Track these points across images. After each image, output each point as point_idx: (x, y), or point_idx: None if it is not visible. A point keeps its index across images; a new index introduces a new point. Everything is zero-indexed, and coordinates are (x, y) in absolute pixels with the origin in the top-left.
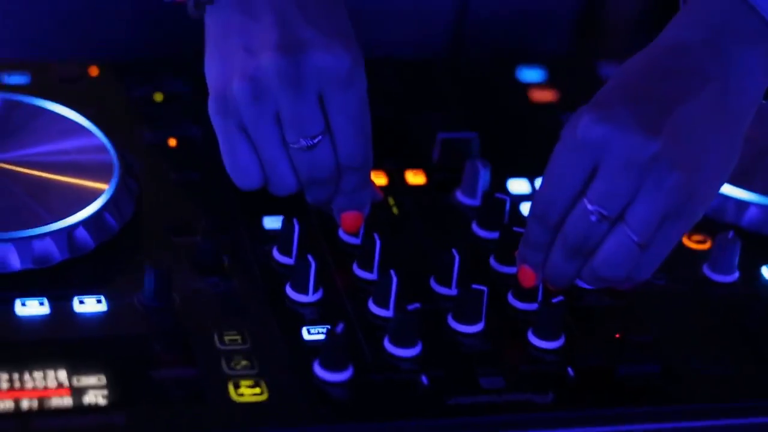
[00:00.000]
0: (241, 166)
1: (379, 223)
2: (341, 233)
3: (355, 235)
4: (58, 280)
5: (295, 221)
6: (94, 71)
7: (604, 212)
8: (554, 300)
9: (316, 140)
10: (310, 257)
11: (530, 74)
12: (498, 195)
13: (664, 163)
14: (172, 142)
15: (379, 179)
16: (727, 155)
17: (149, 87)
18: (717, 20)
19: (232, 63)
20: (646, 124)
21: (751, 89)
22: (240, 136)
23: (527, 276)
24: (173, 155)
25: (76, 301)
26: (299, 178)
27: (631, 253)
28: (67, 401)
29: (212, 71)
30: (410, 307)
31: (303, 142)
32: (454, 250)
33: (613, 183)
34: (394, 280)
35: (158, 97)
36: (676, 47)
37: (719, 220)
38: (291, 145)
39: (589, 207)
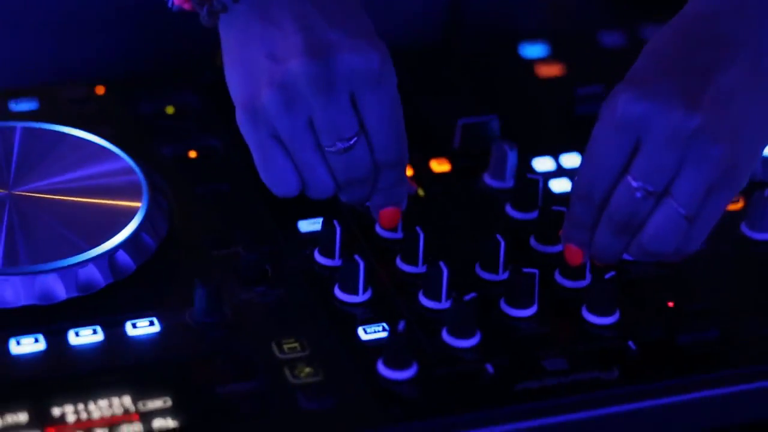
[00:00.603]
0: (277, 175)
1: (413, 215)
2: (378, 229)
3: (394, 230)
4: (106, 306)
5: (335, 223)
6: (100, 90)
7: (650, 188)
8: (606, 276)
9: (352, 142)
10: (357, 257)
11: (533, 50)
12: (530, 175)
13: (706, 136)
14: (192, 154)
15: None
16: (766, 120)
17: (159, 101)
18: None
19: (256, 72)
20: (686, 98)
21: None
22: (274, 145)
23: (574, 254)
24: (196, 167)
25: (128, 325)
26: (336, 180)
27: (679, 226)
28: (137, 427)
29: (235, 82)
30: (467, 297)
31: (339, 145)
32: (498, 236)
33: (657, 159)
34: (445, 271)
35: (170, 110)
36: (705, 17)
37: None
38: (327, 149)
39: (634, 184)
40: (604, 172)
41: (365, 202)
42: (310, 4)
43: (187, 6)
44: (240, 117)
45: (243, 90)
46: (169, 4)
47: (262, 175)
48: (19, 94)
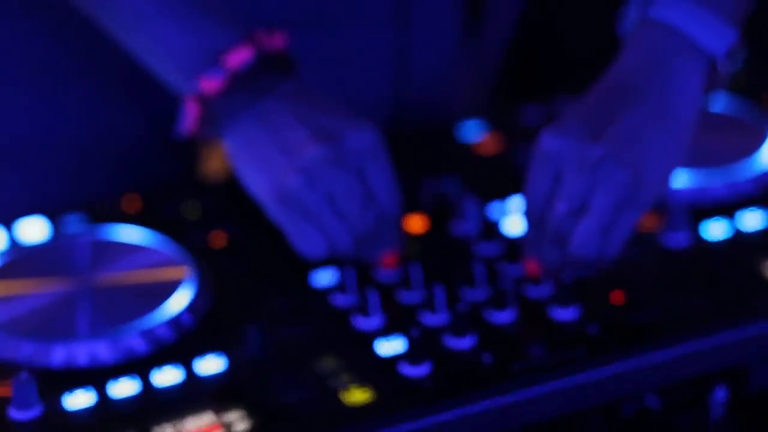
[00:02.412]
0: (311, 244)
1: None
2: (379, 271)
3: (395, 268)
4: (179, 354)
5: (349, 266)
6: (137, 203)
7: (570, 207)
8: (566, 281)
9: (364, 206)
10: (371, 290)
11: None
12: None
13: (610, 163)
14: (219, 239)
15: None
16: (673, 152)
17: (177, 206)
18: (657, 46)
19: (274, 167)
20: (591, 132)
21: (690, 95)
22: (305, 221)
23: (531, 267)
24: (219, 254)
25: (199, 364)
26: (354, 238)
27: (595, 236)
28: None
29: (256, 181)
30: (461, 309)
31: (356, 209)
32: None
33: (573, 183)
34: (441, 291)
35: (194, 210)
36: (622, 72)
37: None
38: (347, 213)
39: (560, 205)
40: (538, 198)
41: (373, 256)
42: (302, 105)
43: (193, 133)
44: (270, 206)
45: (267, 184)
46: (177, 135)
47: (297, 246)
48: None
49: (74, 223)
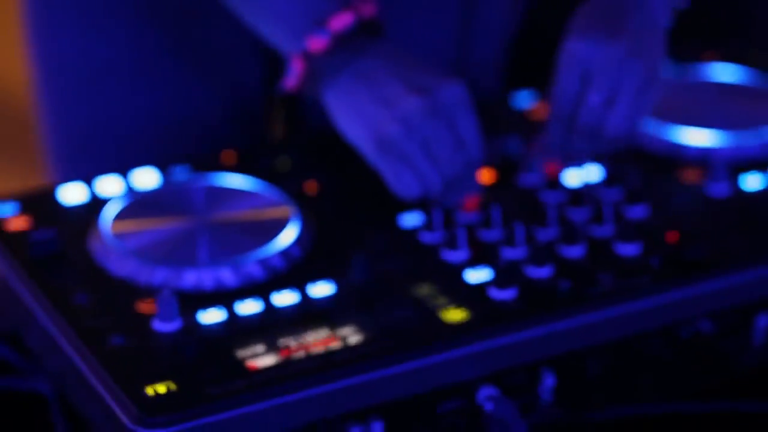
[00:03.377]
0: (407, 185)
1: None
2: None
3: (476, 212)
4: (292, 281)
5: (436, 207)
6: (232, 157)
7: (602, 98)
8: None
9: (454, 151)
10: (459, 226)
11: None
12: None
13: (630, 56)
14: (313, 187)
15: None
16: (664, 51)
17: (279, 158)
18: None
19: (375, 117)
20: (609, 35)
21: (663, 11)
22: (401, 164)
23: (552, 167)
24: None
25: (312, 288)
26: (444, 181)
27: (627, 118)
28: (337, 344)
29: (357, 131)
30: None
31: (447, 154)
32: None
33: (603, 76)
34: (521, 228)
35: (286, 163)
36: None
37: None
38: (440, 158)
39: (592, 99)
40: (570, 96)
41: (457, 200)
42: (396, 63)
43: (295, 89)
44: (370, 152)
45: (367, 133)
46: (280, 91)
47: (394, 187)
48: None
49: (181, 173)
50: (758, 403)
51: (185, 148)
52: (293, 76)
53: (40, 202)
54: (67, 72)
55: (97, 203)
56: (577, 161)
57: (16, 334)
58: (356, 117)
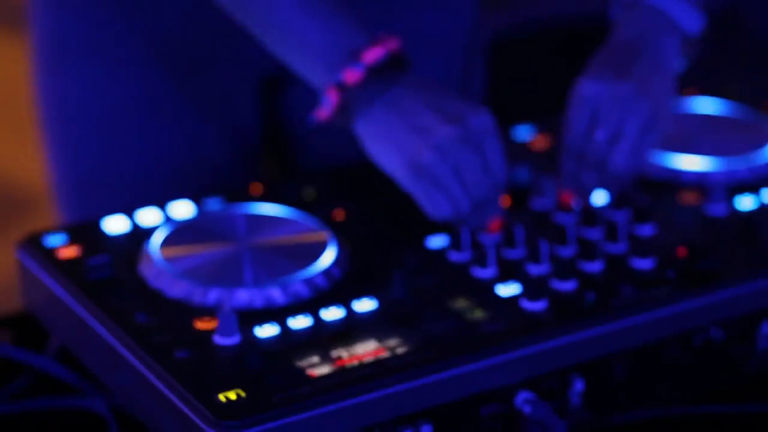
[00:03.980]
0: (439, 207)
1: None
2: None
3: (499, 234)
4: (337, 298)
5: (464, 227)
6: (260, 189)
7: (608, 135)
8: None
9: (482, 176)
10: (487, 244)
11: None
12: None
13: (636, 97)
14: (340, 215)
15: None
16: (670, 94)
17: (301, 189)
18: (647, 22)
19: (409, 144)
20: (617, 76)
21: (671, 59)
22: (434, 188)
23: (566, 196)
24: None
25: (356, 304)
26: (472, 203)
27: (629, 155)
28: (387, 354)
29: (390, 158)
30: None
31: (476, 179)
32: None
33: (609, 115)
34: (546, 245)
35: (311, 195)
36: (621, 41)
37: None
38: (470, 183)
39: (599, 133)
40: (578, 134)
41: (484, 224)
42: (425, 93)
43: (327, 120)
44: (404, 178)
45: (401, 159)
46: (312, 122)
47: (427, 209)
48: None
49: (215, 204)
50: (763, 405)
51: (190, 188)
52: (327, 107)
53: (86, 233)
54: (76, 115)
55: (138, 233)
56: (588, 193)
57: (67, 354)
58: (390, 145)
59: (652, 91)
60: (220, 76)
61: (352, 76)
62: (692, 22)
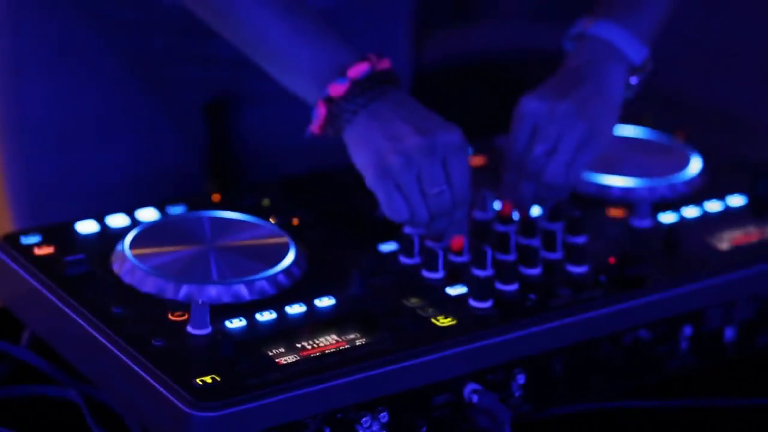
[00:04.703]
0: (396, 209)
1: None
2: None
3: (460, 253)
4: (298, 296)
5: (413, 233)
6: (216, 198)
7: (545, 148)
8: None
9: (443, 188)
10: (437, 248)
11: None
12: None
13: (573, 115)
14: (295, 221)
15: None
16: (613, 121)
17: (254, 198)
18: (595, 52)
19: (381, 148)
20: (559, 96)
21: (616, 87)
22: (396, 191)
23: (507, 207)
24: (297, 229)
25: (317, 301)
26: (430, 213)
27: (563, 168)
28: (347, 346)
29: (365, 158)
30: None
31: (436, 190)
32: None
33: (547, 130)
34: (489, 251)
35: (266, 202)
36: (571, 68)
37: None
38: (428, 192)
39: (537, 147)
40: (519, 146)
41: (442, 234)
42: (405, 108)
43: (318, 131)
44: (373, 176)
45: (373, 160)
46: (307, 134)
47: (386, 210)
48: (173, 203)
49: (178, 209)
50: (685, 400)
51: (144, 200)
52: (317, 120)
53: (59, 234)
54: (34, 126)
55: (108, 234)
56: (526, 204)
57: (42, 345)
58: (365, 147)
59: (589, 112)
60: (171, 95)
61: (337, 89)
62: (636, 53)
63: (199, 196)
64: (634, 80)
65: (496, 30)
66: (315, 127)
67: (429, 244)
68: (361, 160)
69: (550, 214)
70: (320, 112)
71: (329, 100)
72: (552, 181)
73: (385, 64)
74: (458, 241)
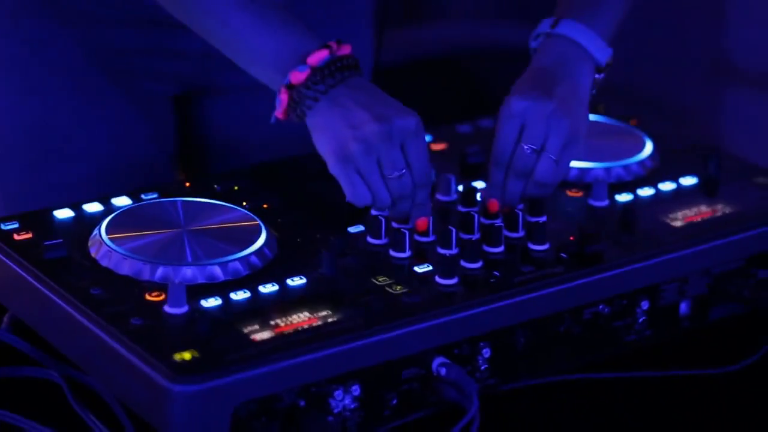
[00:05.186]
0: (359, 194)
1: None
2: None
3: (426, 234)
4: (266, 277)
5: (380, 214)
6: (188, 184)
7: (534, 147)
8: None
9: (402, 171)
10: (403, 231)
11: None
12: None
13: (559, 114)
14: (265, 206)
15: None
16: (587, 119)
17: (227, 185)
18: (564, 51)
19: (341, 135)
20: (545, 96)
21: (585, 85)
22: (357, 176)
23: (493, 205)
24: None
25: (290, 281)
26: (392, 196)
27: (552, 165)
28: (319, 323)
29: (327, 145)
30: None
31: (395, 174)
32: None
33: (535, 129)
34: (454, 231)
35: (236, 188)
36: (541, 67)
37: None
38: (388, 177)
39: (525, 147)
40: (507, 145)
41: (406, 216)
42: (364, 95)
43: (282, 117)
44: (335, 163)
45: (334, 147)
46: (272, 120)
47: (348, 195)
48: (148, 191)
49: (151, 196)
50: (642, 371)
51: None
52: (280, 106)
53: (36, 220)
54: (6, 119)
55: (84, 220)
56: (514, 201)
57: (23, 327)
58: (326, 134)
59: (571, 111)
60: (141, 87)
61: (297, 76)
62: (601, 52)
63: (171, 184)
64: (599, 78)
65: (447, 29)
66: (278, 112)
67: (395, 225)
68: (323, 148)
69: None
70: (282, 98)
71: (290, 87)
72: (543, 179)
73: (345, 50)
74: (423, 222)
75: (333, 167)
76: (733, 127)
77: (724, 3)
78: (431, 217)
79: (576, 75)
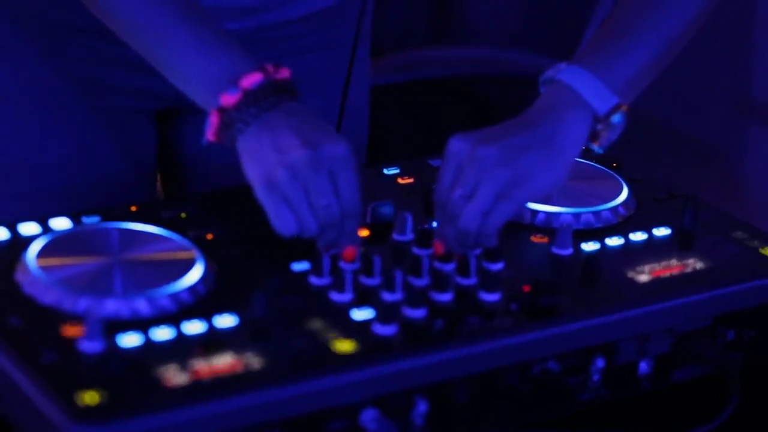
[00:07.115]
0: (284, 222)
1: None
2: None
3: (353, 262)
4: (202, 312)
5: (324, 255)
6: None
7: (463, 193)
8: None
9: (330, 201)
10: (345, 271)
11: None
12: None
13: (493, 162)
14: (209, 236)
15: None
16: (552, 173)
17: (176, 211)
18: (555, 98)
19: (268, 161)
20: (483, 141)
21: (572, 137)
22: (283, 204)
23: (438, 247)
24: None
25: (219, 320)
26: (319, 225)
27: (477, 216)
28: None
29: (253, 171)
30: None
31: (323, 202)
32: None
33: (466, 174)
34: (399, 275)
35: (183, 215)
36: (526, 114)
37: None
38: (315, 205)
39: (456, 191)
40: (445, 187)
41: (333, 245)
42: (296, 120)
43: (214, 139)
44: (260, 189)
45: (261, 174)
46: (204, 142)
47: (274, 224)
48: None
49: (92, 221)
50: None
51: (87, 205)
52: (210, 129)
53: None
54: None
55: (18, 242)
56: (451, 246)
57: None
58: (254, 159)
59: (519, 161)
60: (115, 103)
61: (228, 99)
62: (603, 102)
63: (115, 208)
64: (602, 132)
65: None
66: (209, 134)
67: (319, 248)
68: (250, 173)
69: None
70: (212, 121)
71: (221, 110)
72: (465, 228)
73: (283, 74)
74: (350, 252)
75: (258, 193)
76: (755, 165)
77: (748, 40)
78: (359, 247)
79: (559, 123)
